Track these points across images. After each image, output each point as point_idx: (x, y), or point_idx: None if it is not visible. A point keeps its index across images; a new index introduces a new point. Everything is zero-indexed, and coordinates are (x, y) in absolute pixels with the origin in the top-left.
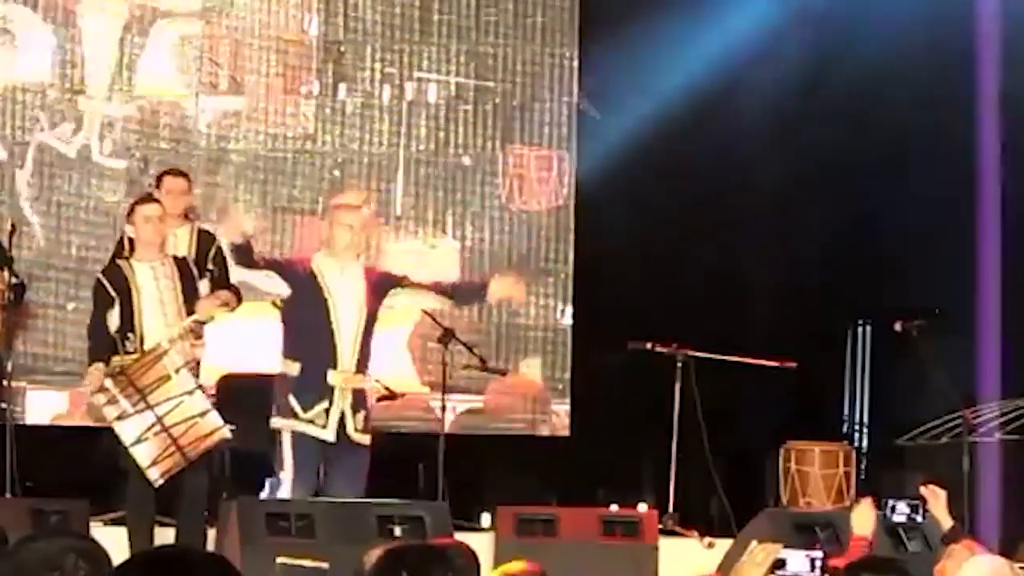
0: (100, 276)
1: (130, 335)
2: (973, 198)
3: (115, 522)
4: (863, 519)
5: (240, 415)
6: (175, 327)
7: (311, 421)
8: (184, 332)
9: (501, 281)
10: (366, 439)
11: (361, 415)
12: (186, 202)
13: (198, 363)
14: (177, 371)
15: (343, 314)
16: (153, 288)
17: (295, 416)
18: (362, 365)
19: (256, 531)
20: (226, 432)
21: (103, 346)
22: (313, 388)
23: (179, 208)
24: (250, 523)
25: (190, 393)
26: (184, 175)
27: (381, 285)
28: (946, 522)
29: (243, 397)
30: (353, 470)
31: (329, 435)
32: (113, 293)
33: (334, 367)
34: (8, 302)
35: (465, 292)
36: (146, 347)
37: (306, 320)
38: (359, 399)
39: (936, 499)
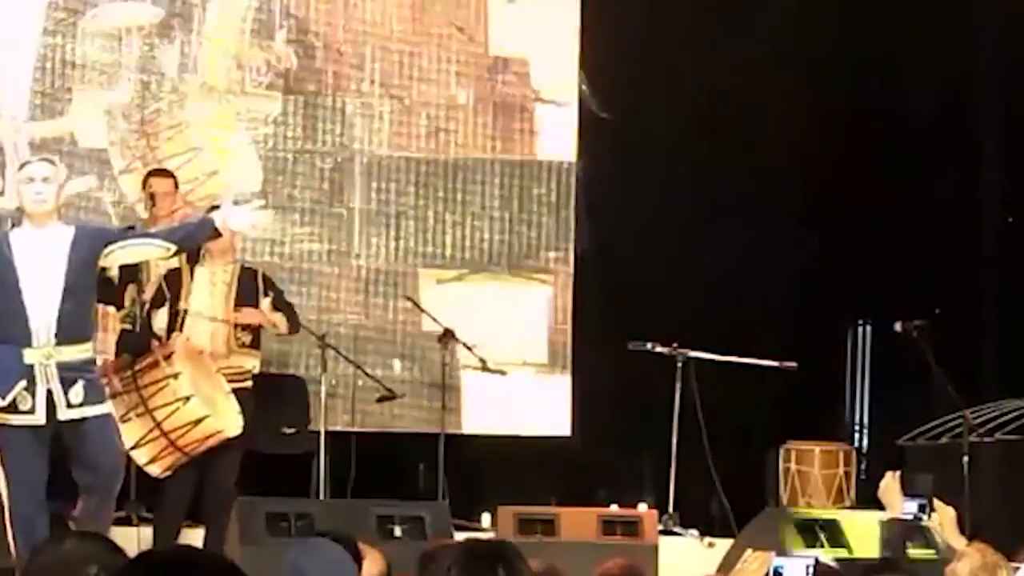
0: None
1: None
2: (974, 196)
3: (118, 522)
4: (891, 498)
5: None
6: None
7: (12, 409)
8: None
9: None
10: (95, 410)
11: (79, 385)
12: (172, 202)
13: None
14: (176, 376)
15: (36, 284)
16: (203, 293)
17: None
18: (67, 335)
19: (256, 531)
20: (230, 432)
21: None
22: (12, 372)
23: (166, 208)
24: (250, 523)
25: (186, 399)
26: (171, 175)
27: (92, 245)
28: (959, 544)
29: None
30: (89, 443)
31: (39, 419)
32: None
33: (29, 344)
34: None
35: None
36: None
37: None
38: (73, 370)
39: (946, 520)
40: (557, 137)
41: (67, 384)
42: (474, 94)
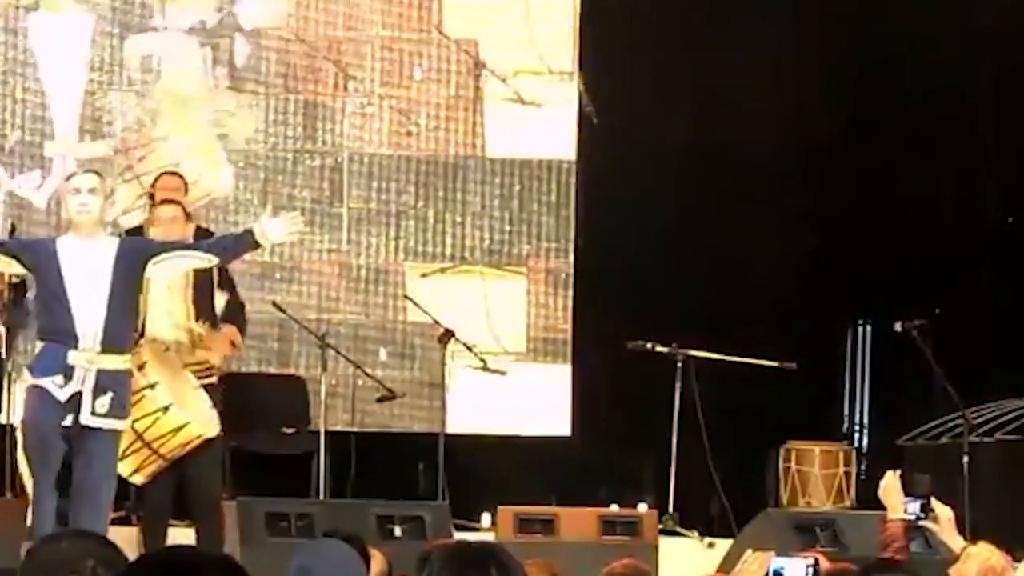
0: None
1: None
2: (974, 196)
3: (118, 522)
4: (892, 497)
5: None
6: (181, 330)
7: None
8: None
9: None
10: (111, 423)
11: (107, 397)
12: (179, 200)
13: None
14: (153, 386)
15: (83, 291)
16: (160, 286)
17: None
18: (111, 344)
19: (256, 531)
20: (209, 433)
21: None
22: (54, 367)
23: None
24: (250, 523)
25: (165, 409)
26: (178, 174)
27: (136, 257)
28: (956, 544)
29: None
30: (94, 456)
31: (62, 396)
32: None
33: (75, 347)
34: (8, 302)
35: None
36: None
37: (46, 299)
38: (109, 379)
39: (943, 520)
40: (558, 138)
41: (98, 392)
42: (472, 94)
